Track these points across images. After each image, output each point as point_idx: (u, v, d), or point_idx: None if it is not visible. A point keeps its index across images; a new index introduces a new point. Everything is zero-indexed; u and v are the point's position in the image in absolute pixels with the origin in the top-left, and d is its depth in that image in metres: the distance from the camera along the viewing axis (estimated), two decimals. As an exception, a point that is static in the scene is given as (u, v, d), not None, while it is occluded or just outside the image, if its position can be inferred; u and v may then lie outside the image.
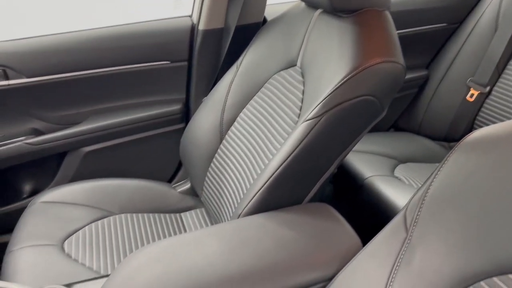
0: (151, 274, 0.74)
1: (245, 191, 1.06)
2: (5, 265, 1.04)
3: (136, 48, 1.38)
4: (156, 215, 1.30)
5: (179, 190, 1.42)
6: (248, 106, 1.20)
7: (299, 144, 0.86)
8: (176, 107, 1.49)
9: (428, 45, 1.74)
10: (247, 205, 0.91)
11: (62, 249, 1.09)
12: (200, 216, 1.33)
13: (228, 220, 1.10)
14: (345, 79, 0.85)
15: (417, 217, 0.62)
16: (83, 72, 1.34)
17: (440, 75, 1.72)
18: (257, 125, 1.13)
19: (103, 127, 1.41)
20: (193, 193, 1.41)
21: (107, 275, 1.00)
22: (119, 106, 1.45)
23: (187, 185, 1.44)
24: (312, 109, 0.88)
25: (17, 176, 1.44)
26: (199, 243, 0.80)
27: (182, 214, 1.33)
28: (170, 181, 1.57)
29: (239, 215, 0.91)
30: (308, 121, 0.87)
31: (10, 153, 1.32)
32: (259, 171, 1.04)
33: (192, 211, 1.35)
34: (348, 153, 0.95)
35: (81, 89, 1.37)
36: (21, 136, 1.34)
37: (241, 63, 1.26)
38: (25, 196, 1.45)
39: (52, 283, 0.83)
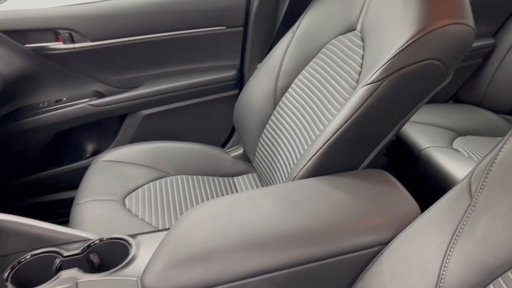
0: (208, 228, 0.77)
1: (299, 156, 1.06)
2: (72, 217, 1.12)
3: (193, 13, 1.40)
4: (210, 178, 1.33)
5: (232, 155, 1.45)
6: (303, 72, 1.19)
7: (358, 108, 0.85)
8: (231, 73, 1.50)
9: (496, 12, 1.63)
10: (302, 168, 0.91)
11: (124, 204, 1.16)
12: (252, 180, 1.36)
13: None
14: (410, 41, 0.82)
15: (483, 184, 0.60)
16: (143, 37, 1.38)
17: (507, 44, 1.61)
18: (312, 91, 1.12)
19: (160, 91, 1.45)
20: (245, 158, 1.44)
21: (161, 230, 1.05)
22: (176, 71, 1.48)
23: (240, 151, 1.47)
24: (372, 73, 0.86)
25: (81, 136, 1.52)
26: (255, 202, 0.82)
27: (234, 178, 1.36)
28: (223, 146, 1.60)
29: (294, 178, 0.92)
30: (368, 86, 0.85)
31: (75, 114, 1.40)
32: (313, 137, 1.04)
33: (244, 176, 1.38)
34: (407, 120, 0.92)
35: (141, 53, 1.42)
36: (85, 98, 1.42)
37: (297, 28, 1.24)
38: (87, 155, 1.54)
39: (116, 233, 0.88)
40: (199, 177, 1.32)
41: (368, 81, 0.86)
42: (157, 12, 1.38)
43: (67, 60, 1.37)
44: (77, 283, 0.74)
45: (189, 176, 1.31)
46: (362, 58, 0.99)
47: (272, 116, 1.24)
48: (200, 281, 0.70)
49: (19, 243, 0.85)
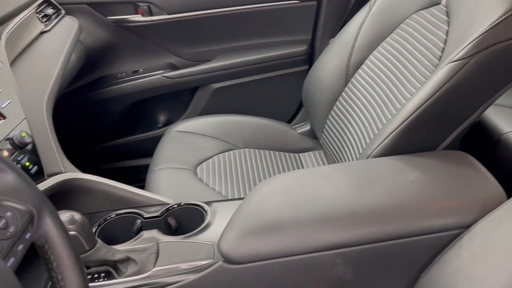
0: (282, 199, 0.78)
1: (371, 135, 1.04)
2: (147, 182, 1.18)
3: (267, -14, 1.39)
4: (276, 152, 1.35)
5: (298, 131, 1.45)
6: (379, 48, 1.15)
7: (442, 86, 0.81)
8: (301, 48, 1.48)
9: None
10: (377, 147, 0.89)
11: (195, 173, 1.20)
12: (319, 157, 1.35)
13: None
14: (504, 16, 0.77)
15: None
16: (217, 10, 1.40)
17: None
18: (389, 68, 1.09)
19: (231, 65, 1.48)
20: (312, 135, 1.43)
21: (235, 199, 1.08)
22: (247, 45, 1.49)
23: (307, 127, 1.46)
24: (459, 50, 0.82)
25: (154, 107, 1.59)
26: (329, 177, 0.82)
27: (300, 154, 1.37)
28: (289, 121, 1.60)
29: (368, 156, 0.91)
30: (454, 63, 0.81)
31: (151, 85, 1.46)
32: (389, 115, 1.01)
33: (311, 153, 1.38)
34: (493, 101, 0.87)
35: (214, 27, 1.44)
36: (160, 70, 1.47)
37: (374, 2, 1.20)
38: (160, 125, 1.61)
39: (189, 199, 0.92)
40: (266, 151, 1.34)
41: (454, 58, 0.82)
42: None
43: (144, 32, 1.42)
44: (158, 243, 0.79)
45: (256, 150, 1.33)
46: (447, 34, 0.93)
47: (343, 93, 1.22)
48: (274, 250, 0.72)
49: (104, 203, 0.92)
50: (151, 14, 1.38)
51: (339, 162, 1.18)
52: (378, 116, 1.05)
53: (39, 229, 0.50)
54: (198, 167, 1.23)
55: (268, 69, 1.50)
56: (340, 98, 1.22)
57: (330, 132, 1.25)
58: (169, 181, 1.15)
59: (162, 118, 1.61)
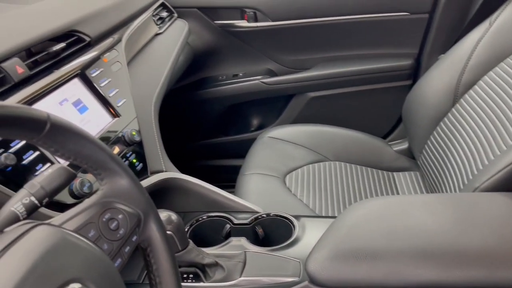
0: (378, 226, 0.74)
1: (480, 165, 0.95)
2: (238, 185, 1.20)
3: (376, -3, 1.34)
4: (369, 169, 1.30)
5: (394, 148, 1.38)
6: (496, 69, 1.06)
7: None
8: (406, 62, 1.41)
9: None
10: (487, 180, 0.82)
11: (284, 182, 1.20)
12: (414, 179, 1.28)
13: (452, 191, 1.02)
14: None
15: None
16: (322, 19, 1.38)
17: None
18: (506, 92, 0.99)
19: (330, 75, 1.45)
20: (409, 154, 1.35)
21: (325, 216, 1.06)
22: (348, 55, 1.46)
23: (404, 145, 1.39)
24: None
25: (249, 110, 1.62)
26: (430, 207, 0.76)
27: (395, 174, 1.30)
28: (385, 137, 1.54)
29: (475, 189, 0.83)
30: None
31: (248, 89, 1.49)
32: (503, 146, 0.92)
33: (406, 173, 1.31)
34: None
35: (317, 35, 1.42)
36: (258, 75, 1.49)
37: (496, 18, 1.09)
38: (252, 129, 1.63)
39: (277, 209, 0.92)
40: (358, 166, 1.30)
41: None
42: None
43: (248, 38, 1.45)
44: (245, 252, 0.79)
45: (348, 164, 1.30)
46: None
47: (449, 114, 1.13)
48: (365, 279, 0.69)
49: (198, 204, 0.96)
50: (256, 20, 1.40)
51: (438, 189, 1.10)
52: (489, 144, 0.96)
53: (144, 232, 0.53)
54: (288, 175, 1.23)
55: (369, 81, 1.45)
56: (445, 119, 1.14)
57: (430, 154, 1.17)
58: (259, 187, 1.17)
59: (255, 122, 1.63)
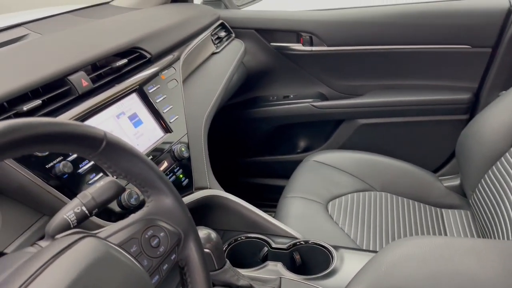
0: (420, 268, 0.72)
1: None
2: (279, 207, 1.20)
3: (435, 28, 1.31)
4: (416, 203, 1.25)
5: (445, 184, 1.32)
6: (562, 111, 1.00)
7: None
8: (464, 96, 1.36)
9: None
10: (544, 230, 0.77)
11: (326, 209, 1.18)
12: (465, 219, 1.22)
13: (505, 237, 0.97)
14: None
15: None
16: (378, 47, 1.37)
17: None
18: None
19: (382, 103, 1.43)
20: (460, 191, 1.30)
21: (365, 250, 1.04)
22: (403, 85, 1.43)
23: (456, 182, 1.33)
24: None
25: (297, 132, 1.62)
26: (479, 254, 0.72)
27: (443, 210, 1.25)
28: (435, 171, 1.48)
29: (530, 239, 0.78)
30: None
31: (298, 112, 1.49)
32: None
33: (456, 211, 1.25)
34: None
35: (371, 63, 1.41)
36: (309, 98, 1.49)
37: None
38: (299, 151, 1.63)
39: (316, 237, 0.91)
40: (405, 199, 1.26)
41: None
42: (396, 24, 1.35)
43: (302, 61, 1.46)
44: (281, 278, 0.79)
45: (394, 196, 1.26)
46: None
47: (507, 154, 1.08)
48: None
49: (238, 223, 0.97)
50: (311, 45, 1.41)
51: (489, 233, 1.05)
52: (550, 191, 0.90)
53: (183, 251, 0.54)
54: (330, 202, 1.21)
55: (423, 113, 1.41)
56: (503, 159, 1.08)
57: (483, 194, 1.11)
58: (300, 211, 1.16)
59: (302, 144, 1.63)
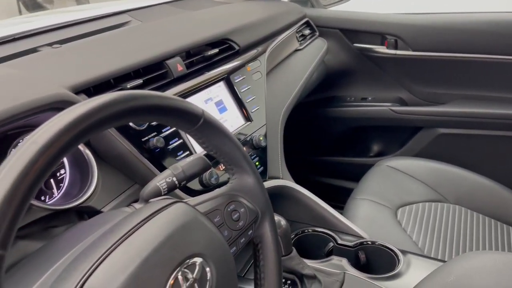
0: (490, 282, 0.70)
1: None
2: (347, 207, 1.21)
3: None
4: (492, 220, 1.19)
5: (527, 204, 1.25)
6: None
7: None
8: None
9: None
10: None
11: (395, 215, 1.17)
12: (546, 243, 1.14)
13: None
14: None
15: None
16: (464, 55, 1.32)
17: None
18: None
19: (465, 113, 1.37)
20: (545, 214, 1.21)
21: (433, 258, 1.01)
22: (488, 96, 1.36)
23: (540, 204, 1.25)
24: None
25: (372, 136, 1.60)
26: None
27: (522, 232, 1.18)
28: (518, 191, 1.40)
29: None
30: None
31: (375, 115, 1.48)
32: None
33: (536, 234, 1.17)
34: None
35: (456, 71, 1.36)
36: (388, 102, 1.47)
37: None
38: (371, 154, 1.61)
39: (383, 240, 0.91)
40: (480, 215, 1.20)
41: None
42: (489, 32, 1.29)
43: (384, 64, 1.45)
44: (344, 273, 0.81)
45: (469, 211, 1.21)
46: None
47: None
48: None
49: (306, 216, 0.99)
50: (396, 48, 1.39)
51: None
52: None
53: (259, 229, 0.58)
54: (400, 209, 1.19)
55: (508, 127, 1.34)
56: None
57: None
58: (368, 214, 1.15)
59: (375, 148, 1.61)
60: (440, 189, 1.26)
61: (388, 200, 1.20)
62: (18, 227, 0.32)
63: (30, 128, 0.66)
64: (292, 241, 0.92)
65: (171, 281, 0.42)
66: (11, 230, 0.31)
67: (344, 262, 0.84)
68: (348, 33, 1.47)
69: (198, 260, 0.45)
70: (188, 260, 0.44)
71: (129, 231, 0.44)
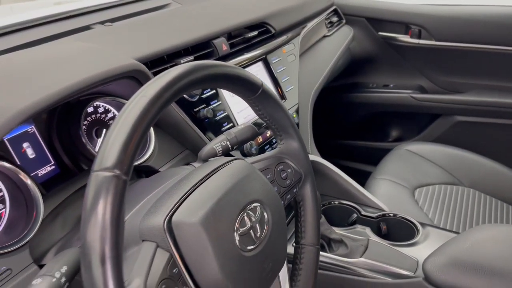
0: (502, 249, 0.77)
1: None
2: (367, 186, 1.28)
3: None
4: (505, 204, 1.26)
5: (540, 191, 1.31)
6: None
7: None
8: None
9: None
10: None
11: (413, 194, 1.25)
12: (556, 227, 1.21)
13: None
14: None
15: None
16: (486, 46, 1.38)
17: None
18: None
19: (483, 102, 1.43)
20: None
21: (450, 230, 1.09)
22: (507, 87, 1.42)
23: (551, 189, 1.31)
24: None
25: (392, 121, 1.68)
26: None
27: (533, 216, 1.25)
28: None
29: None
30: None
31: (396, 101, 1.55)
32: None
33: (546, 218, 1.24)
34: None
35: (477, 61, 1.42)
36: (409, 90, 1.54)
37: None
38: (390, 140, 1.69)
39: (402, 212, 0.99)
40: (493, 199, 1.27)
41: None
42: (508, 25, 1.35)
43: (407, 53, 1.51)
44: (368, 239, 0.89)
45: (483, 194, 1.28)
46: None
47: None
48: (478, 291, 0.73)
49: (332, 190, 1.07)
50: (419, 37, 1.46)
51: None
52: None
53: (301, 189, 0.67)
54: (418, 189, 1.27)
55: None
56: None
57: None
58: (387, 191, 1.23)
59: (394, 133, 1.68)
60: (456, 173, 1.33)
61: (406, 181, 1.28)
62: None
63: (99, 95, 0.74)
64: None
65: (239, 220, 0.50)
66: (132, 162, 0.40)
67: (367, 230, 0.92)
68: (373, 21, 1.53)
69: (258, 205, 0.53)
70: (250, 205, 0.52)
71: (202, 179, 0.53)
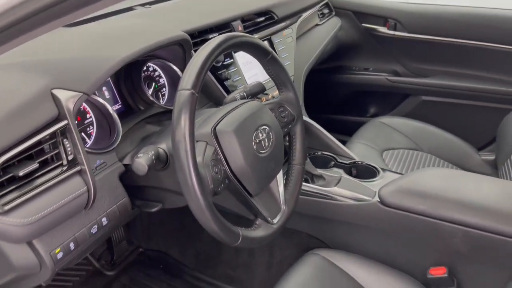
0: (438, 180, 1.08)
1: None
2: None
3: (496, 29, 1.61)
4: (455, 167, 1.57)
5: (482, 157, 1.62)
6: None
7: None
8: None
9: None
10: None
11: (381, 154, 1.56)
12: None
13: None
14: None
15: None
16: (450, 39, 1.69)
17: None
18: None
19: (444, 85, 1.75)
20: (494, 165, 1.60)
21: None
22: (463, 73, 1.74)
23: (491, 157, 1.62)
24: None
25: (370, 99, 1.99)
26: (481, 181, 1.08)
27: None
28: (480, 149, 1.77)
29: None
30: None
31: (374, 82, 1.86)
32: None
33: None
34: None
35: (442, 51, 1.74)
36: (385, 73, 1.85)
37: None
38: (368, 115, 2.00)
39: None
40: (445, 162, 1.58)
41: None
42: (470, 23, 1.66)
43: (385, 42, 1.82)
44: (341, 176, 1.20)
45: (437, 158, 1.59)
46: None
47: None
48: (415, 208, 1.03)
49: (316, 143, 1.38)
50: (395, 30, 1.76)
51: None
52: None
53: (294, 126, 0.97)
54: (385, 151, 1.58)
55: (476, 98, 1.72)
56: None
57: (510, 167, 1.42)
58: (360, 151, 1.53)
59: (372, 110, 2.00)
60: (418, 141, 1.64)
61: (376, 144, 1.59)
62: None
63: (153, 57, 1.04)
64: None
65: (255, 134, 0.81)
66: (201, 85, 0.70)
67: (341, 171, 1.23)
68: (358, 14, 1.83)
69: (266, 127, 0.84)
70: (262, 126, 0.83)
71: (232, 108, 0.83)
